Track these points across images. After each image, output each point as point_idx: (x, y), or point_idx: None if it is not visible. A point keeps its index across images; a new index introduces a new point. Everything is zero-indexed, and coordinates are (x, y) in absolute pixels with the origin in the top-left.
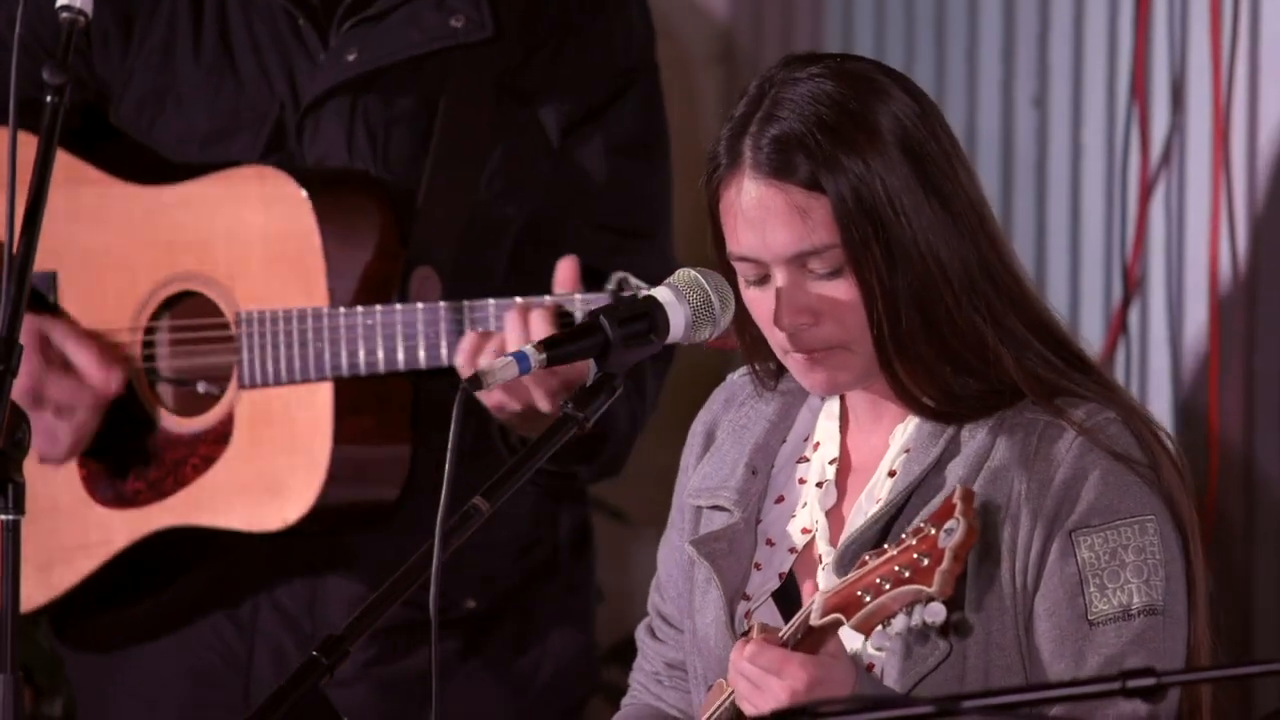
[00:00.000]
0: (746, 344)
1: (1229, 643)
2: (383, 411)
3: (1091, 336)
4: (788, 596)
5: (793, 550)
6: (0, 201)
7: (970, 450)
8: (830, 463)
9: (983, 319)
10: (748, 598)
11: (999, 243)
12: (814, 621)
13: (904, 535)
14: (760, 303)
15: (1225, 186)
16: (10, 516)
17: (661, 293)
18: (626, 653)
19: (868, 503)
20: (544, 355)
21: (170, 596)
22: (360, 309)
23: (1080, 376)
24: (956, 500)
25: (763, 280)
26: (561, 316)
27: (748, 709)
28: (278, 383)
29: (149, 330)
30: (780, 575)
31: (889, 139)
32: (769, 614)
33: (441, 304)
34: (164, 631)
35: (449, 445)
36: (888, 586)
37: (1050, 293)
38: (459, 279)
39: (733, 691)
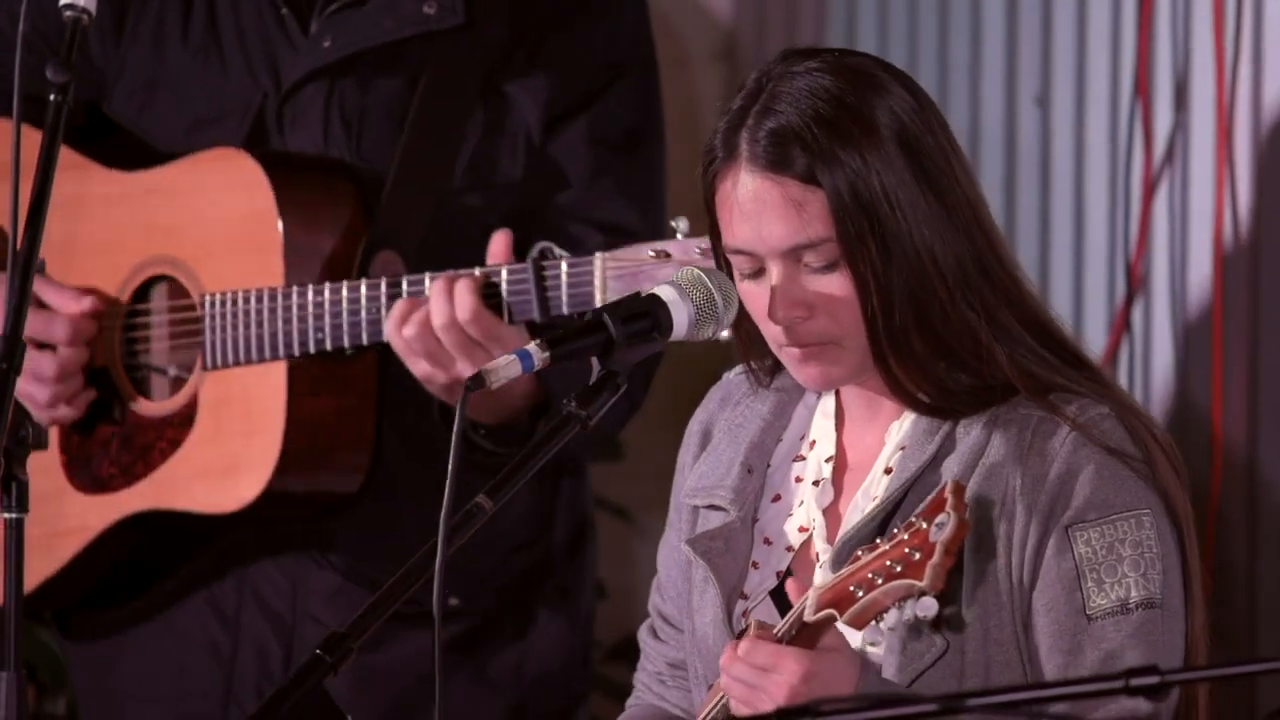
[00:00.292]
0: (742, 340)
1: (1232, 641)
2: (343, 395)
3: (1095, 334)
4: (785, 595)
5: (790, 549)
6: (2, 195)
7: (965, 446)
8: (826, 460)
9: (976, 315)
10: (745, 597)
11: (994, 239)
12: (807, 617)
13: (895, 530)
14: (755, 296)
15: (1229, 184)
16: (14, 515)
17: (665, 291)
18: (630, 650)
19: (864, 500)
20: (547, 353)
21: (163, 591)
22: (311, 287)
23: (1074, 373)
24: (948, 494)
25: (758, 274)
26: (486, 288)
27: (743, 711)
28: (237, 363)
29: (127, 315)
30: (778, 574)
31: (886, 134)
32: (767, 612)
33: (383, 280)
34: (158, 626)
35: (452, 444)
36: (879, 581)
37: (1054, 290)
38: (425, 265)
39: (724, 696)
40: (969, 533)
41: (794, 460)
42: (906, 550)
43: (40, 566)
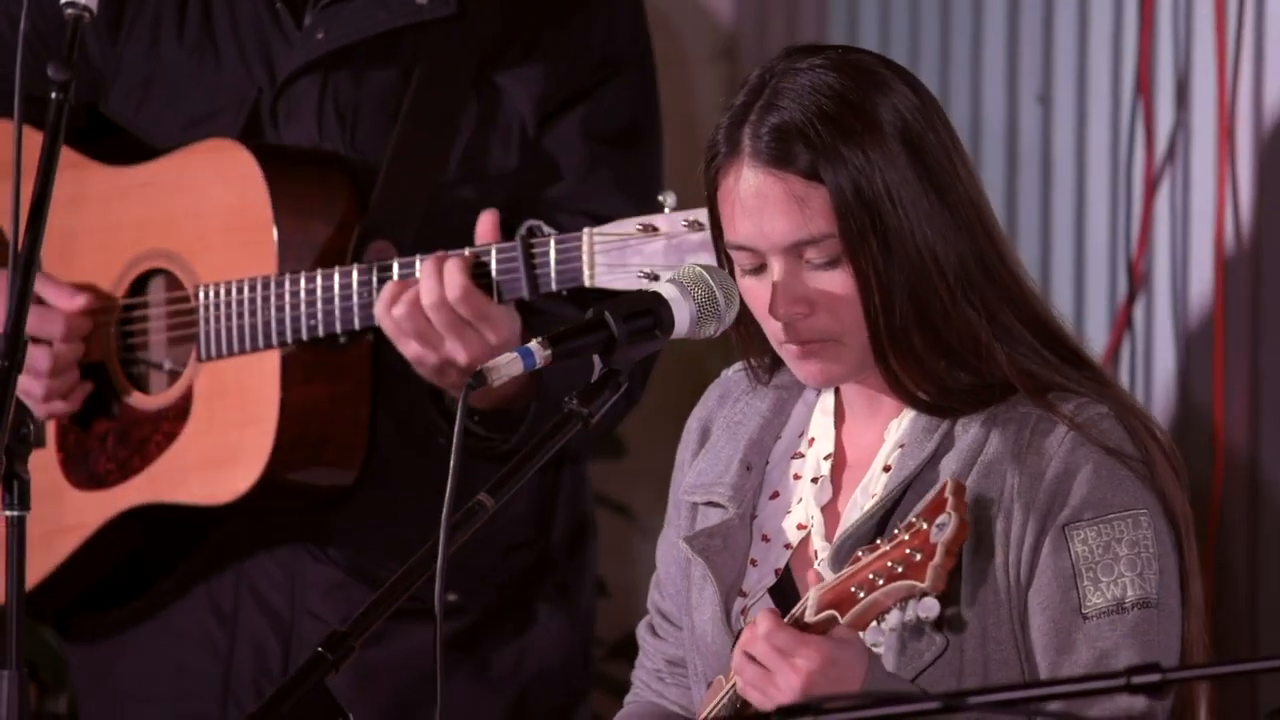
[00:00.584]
0: (742, 336)
1: (1233, 640)
2: (336, 384)
3: (1096, 333)
4: (784, 593)
5: (788, 546)
6: (3, 195)
7: (964, 445)
8: (825, 458)
9: (977, 313)
10: (744, 594)
11: (996, 237)
12: (808, 618)
13: (896, 530)
14: (756, 292)
15: (1230, 182)
16: (16, 512)
17: (666, 289)
18: (630, 648)
19: (863, 498)
20: (549, 351)
21: (161, 589)
22: (303, 275)
23: (1074, 372)
24: (948, 495)
25: (759, 270)
26: (477, 267)
27: (754, 697)
28: (230, 353)
29: (123, 309)
30: (776, 571)
31: (889, 131)
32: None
33: (374, 264)
34: (157, 625)
35: (454, 441)
36: (881, 582)
37: (1055, 289)
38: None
39: (733, 685)
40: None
41: (793, 457)
42: (907, 551)
43: (39, 564)
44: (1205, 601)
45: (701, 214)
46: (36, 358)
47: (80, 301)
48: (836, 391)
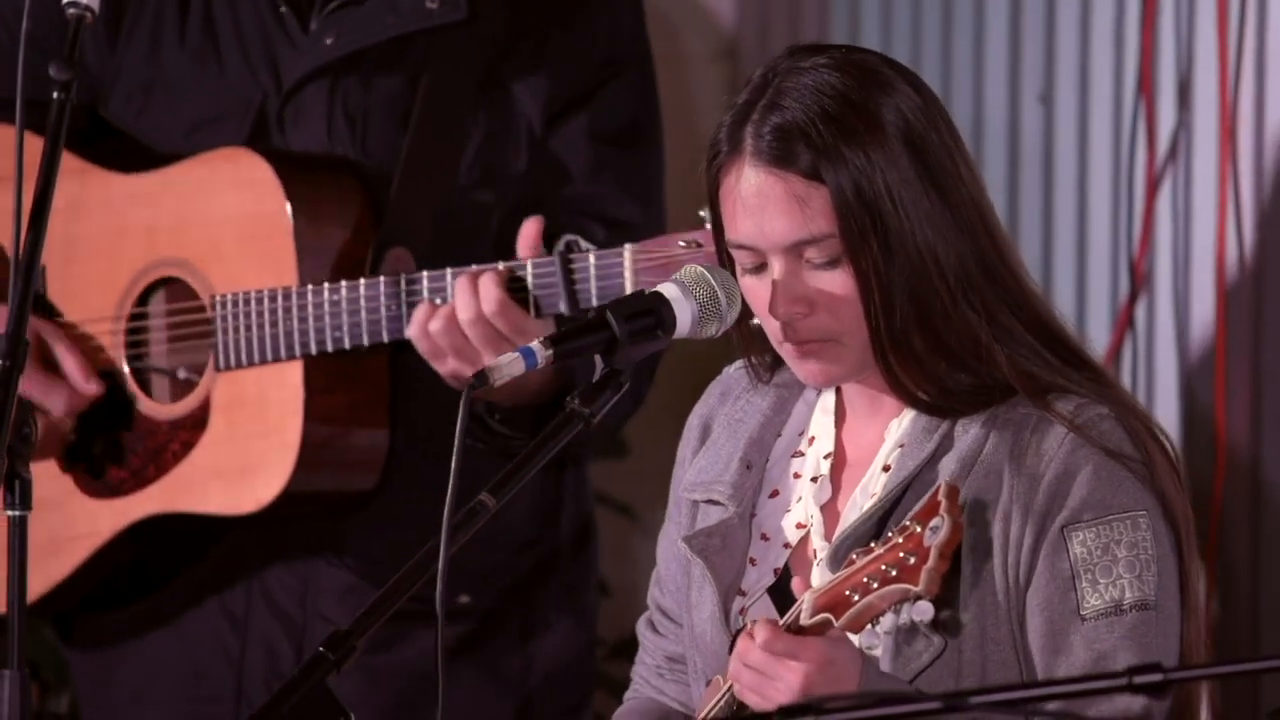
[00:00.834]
0: (743, 334)
1: (1234, 639)
2: (356, 391)
3: (1098, 332)
4: (783, 592)
5: (787, 545)
6: (7, 200)
7: (963, 445)
8: (825, 457)
9: (978, 315)
10: (743, 593)
11: (998, 238)
12: (804, 621)
13: (890, 534)
14: (756, 291)
15: (1232, 182)
16: (18, 512)
17: (668, 289)
18: (631, 648)
19: (862, 497)
20: (550, 351)
21: (168, 593)
22: (326, 286)
23: (1075, 373)
24: (941, 498)
25: (760, 269)
26: (512, 282)
27: (752, 700)
28: (250, 363)
29: (132, 318)
30: (775, 571)
31: (891, 132)
32: (764, 609)
33: (402, 276)
34: (163, 628)
35: (455, 440)
36: (875, 585)
37: (1057, 289)
38: (435, 262)
39: (731, 685)
40: (964, 535)
41: (793, 456)
42: (901, 554)
43: (50, 572)
44: (1207, 602)
45: None
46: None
47: (93, 389)
48: (838, 390)
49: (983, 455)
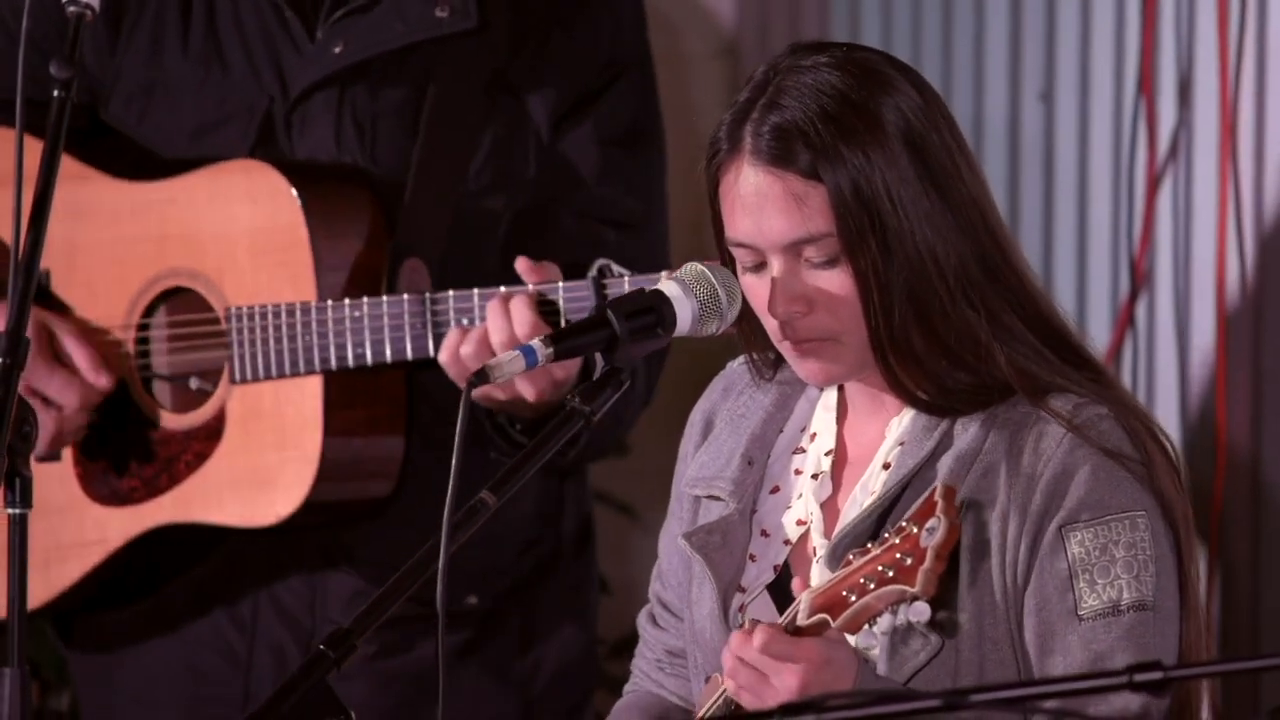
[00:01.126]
0: (745, 332)
1: (1235, 639)
2: (374, 405)
3: (1098, 331)
4: (782, 589)
5: (787, 542)
6: (5, 199)
7: (962, 444)
8: (826, 454)
9: (978, 314)
10: (743, 590)
11: (1000, 237)
12: (801, 621)
13: (886, 534)
14: (756, 289)
15: (1232, 181)
16: (18, 511)
17: (669, 287)
18: (631, 646)
19: (862, 495)
20: (551, 350)
21: (171, 595)
22: (348, 302)
23: (1075, 373)
24: (938, 498)
25: (759, 267)
26: (543, 305)
27: (747, 700)
28: (268, 377)
29: (141, 327)
30: (775, 567)
31: (891, 132)
32: (764, 606)
33: (427, 294)
34: (165, 630)
35: (455, 439)
36: (872, 586)
37: (1057, 288)
38: (448, 271)
39: (724, 690)
40: (960, 535)
41: (794, 452)
42: (898, 555)
43: (56, 577)
44: (1207, 599)
45: None
46: (44, 417)
47: (105, 382)
48: (840, 388)
49: (981, 454)
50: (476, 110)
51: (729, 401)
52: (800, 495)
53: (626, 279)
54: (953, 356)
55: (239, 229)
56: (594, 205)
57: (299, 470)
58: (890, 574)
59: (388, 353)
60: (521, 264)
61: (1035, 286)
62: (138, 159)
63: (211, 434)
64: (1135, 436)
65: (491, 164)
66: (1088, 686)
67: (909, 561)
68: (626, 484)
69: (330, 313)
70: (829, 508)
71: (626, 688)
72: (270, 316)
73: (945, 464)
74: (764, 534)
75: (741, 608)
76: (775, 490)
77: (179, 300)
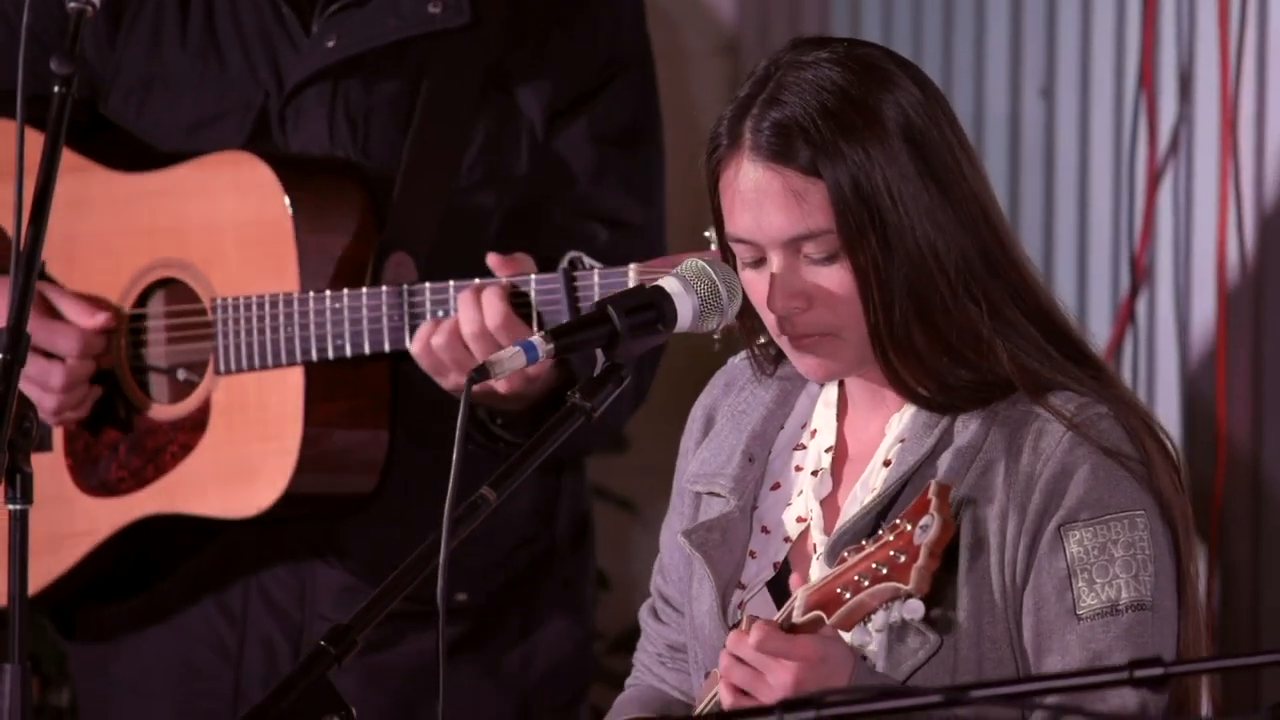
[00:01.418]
0: (747, 328)
1: (1236, 636)
2: (356, 397)
3: (1099, 326)
4: (782, 586)
5: (787, 539)
6: (6, 193)
7: (962, 442)
8: (826, 450)
9: (979, 310)
10: (743, 586)
11: (1001, 233)
12: (796, 619)
13: (881, 532)
14: (756, 285)
15: (1233, 176)
16: (18, 506)
17: (669, 283)
18: (632, 642)
19: (863, 492)
20: (551, 345)
21: (163, 589)
22: (328, 293)
23: (1077, 371)
24: (931, 496)
25: (759, 263)
26: (515, 296)
27: (744, 699)
28: (251, 368)
29: (133, 318)
30: (775, 564)
31: (891, 128)
32: (763, 603)
33: (404, 287)
34: (157, 624)
35: (456, 434)
36: (866, 584)
37: (1058, 283)
38: (436, 265)
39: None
40: (955, 533)
41: (795, 449)
42: (891, 553)
43: (46, 568)
44: (1208, 596)
45: None
46: (50, 372)
47: (99, 319)
48: (840, 384)
49: (982, 452)
50: (469, 106)
51: (730, 397)
52: (800, 492)
53: (596, 271)
54: (954, 353)
55: (226, 220)
56: (587, 203)
57: (279, 462)
58: (884, 571)
59: (366, 344)
60: (492, 259)
61: (1037, 281)
62: (136, 152)
63: (197, 425)
64: (1135, 435)
65: (483, 160)
66: (1088, 682)
67: (903, 559)
68: (626, 479)
69: (311, 304)
70: (829, 504)
71: (628, 681)
72: (254, 308)
73: (945, 461)
74: (764, 531)
75: (741, 605)
76: (776, 487)
77: (170, 291)
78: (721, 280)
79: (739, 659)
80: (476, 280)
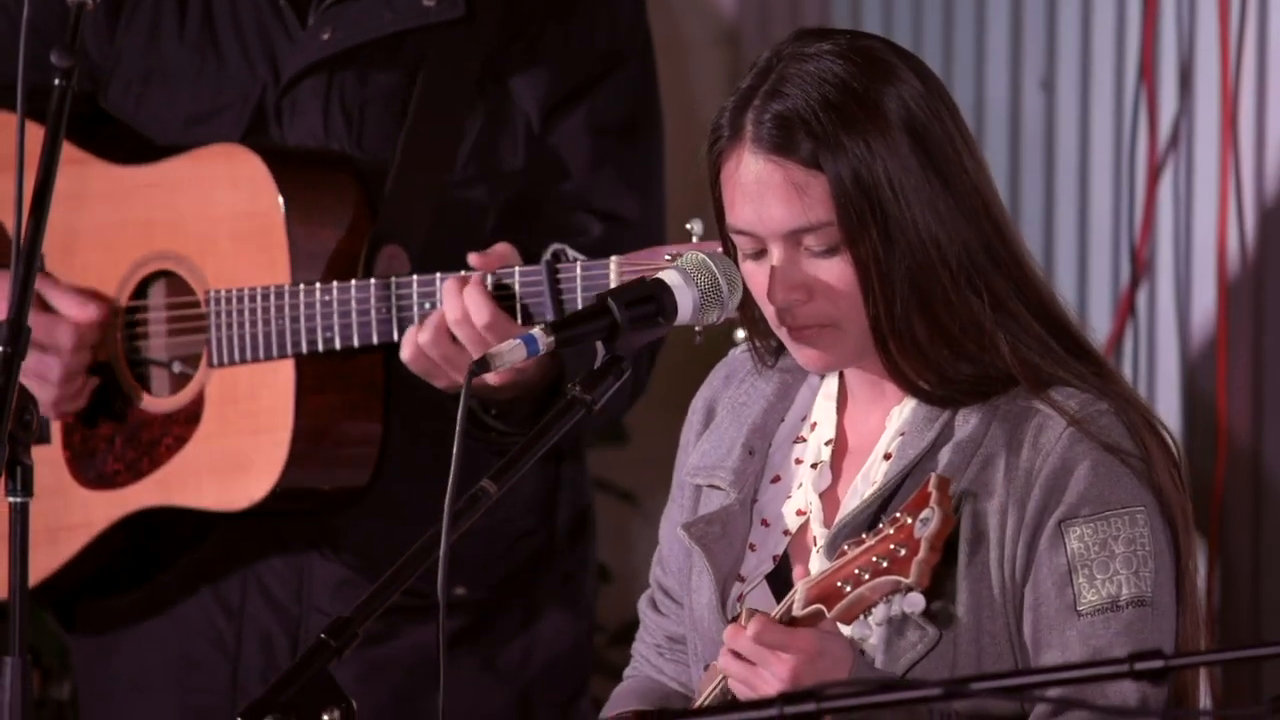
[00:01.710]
0: (748, 320)
1: (1236, 629)
2: (348, 390)
3: (1099, 319)
4: (781, 579)
5: (787, 532)
6: (6, 186)
7: (962, 436)
8: (826, 444)
9: (981, 303)
10: (742, 579)
11: (1003, 226)
12: (796, 612)
13: (881, 525)
14: (757, 276)
15: (1233, 169)
16: (19, 499)
17: (670, 275)
18: (633, 634)
19: (863, 485)
20: (551, 338)
21: (162, 581)
22: (319, 286)
23: (1078, 365)
24: (932, 489)
25: (760, 254)
26: (499, 289)
27: (741, 690)
28: (243, 361)
29: (129, 311)
30: (774, 557)
31: (893, 121)
32: (762, 595)
33: (392, 279)
34: (157, 616)
35: (456, 426)
36: (866, 577)
37: (1058, 276)
38: (429, 258)
39: (722, 679)
40: (955, 527)
41: (795, 442)
42: (892, 546)
43: (44, 561)
44: (1208, 589)
45: None
46: (47, 365)
47: (93, 312)
48: (840, 376)
49: (982, 446)
50: (464, 99)
51: (730, 390)
52: (800, 485)
53: (579, 264)
54: (955, 345)
55: (220, 213)
56: (584, 196)
57: (271, 454)
58: (884, 565)
59: (355, 338)
60: (473, 258)
61: (1037, 275)
62: (135, 146)
63: (190, 417)
64: (1135, 432)
65: (478, 153)
66: (1088, 675)
67: (903, 552)
68: (627, 472)
69: (301, 297)
70: (828, 497)
71: (626, 672)
72: (246, 300)
73: (945, 455)
74: (764, 524)
75: (740, 597)
76: (776, 480)
77: (167, 284)
78: (722, 273)
79: (736, 653)
80: (461, 272)
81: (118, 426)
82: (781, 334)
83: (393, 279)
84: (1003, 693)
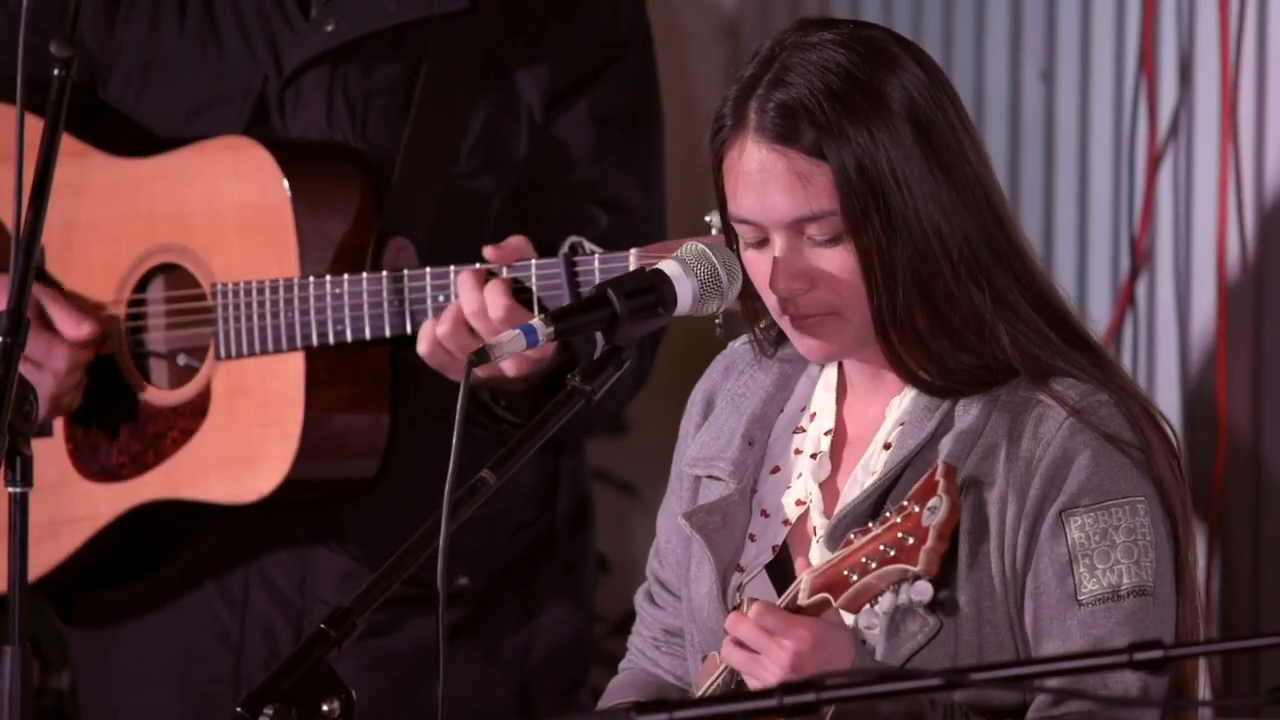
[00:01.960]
0: (748, 309)
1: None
2: (358, 382)
3: (1099, 310)
4: (781, 569)
5: (786, 522)
6: (6, 178)
7: (963, 426)
8: (826, 434)
9: (982, 293)
10: (741, 569)
11: (1004, 217)
12: (801, 601)
13: (888, 513)
14: (758, 265)
15: (1233, 159)
16: (19, 489)
17: (669, 266)
18: (632, 625)
19: (863, 475)
20: (551, 329)
21: (164, 574)
22: (329, 279)
23: (1078, 357)
24: (939, 477)
25: (762, 244)
26: (515, 283)
27: (747, 679)
28: (251, 353)
29: (132, 304)
30: (774, 547)
31: (896, 110)
32: (762, 585)
33: (405, 272)
34: (158, 609)
35: (456, 417)
36: (874, 566)
37: (1058, 266)
38: (435, 250)
39: (721, 671)
40: (961, 516)
41: (794, 432)
42: (899, 534)
43: (48, 553)
44: (1207, 580)
45: None
46: (38, 382)
47: (86, 331)
48: (840, 366)
49: (983, 437)
50: (468, 91)
51: (730, 381)
52: (800, 475)
53: (597, 256)
54: (956, 336)
55: (226, 206)
56: (587, 187)
57: (280, 447)
58: (892, 553)
59: (366, 330)
60: (489, 252)
61: (1038, 266)
62: (135, 138)
63: (197, 410)
64: (1135, 422)
65: (482, 145)
66: (1088, 665)
67: (911, 541)
68: (627, 463)
69: (311, 289)
70: (828, 487)
71: (622, 665)
72: (254, 293)
73: (946, 445)
74: (764, 514)
75: (740, 587)
76: (775, 470)
77: (170, 276)
78: (721, 264)
79: (737, 641)
80: (476, 265)
81: (122, 419)
82: (783, 323)
83: (405, 271)
84: (1003, 682)
